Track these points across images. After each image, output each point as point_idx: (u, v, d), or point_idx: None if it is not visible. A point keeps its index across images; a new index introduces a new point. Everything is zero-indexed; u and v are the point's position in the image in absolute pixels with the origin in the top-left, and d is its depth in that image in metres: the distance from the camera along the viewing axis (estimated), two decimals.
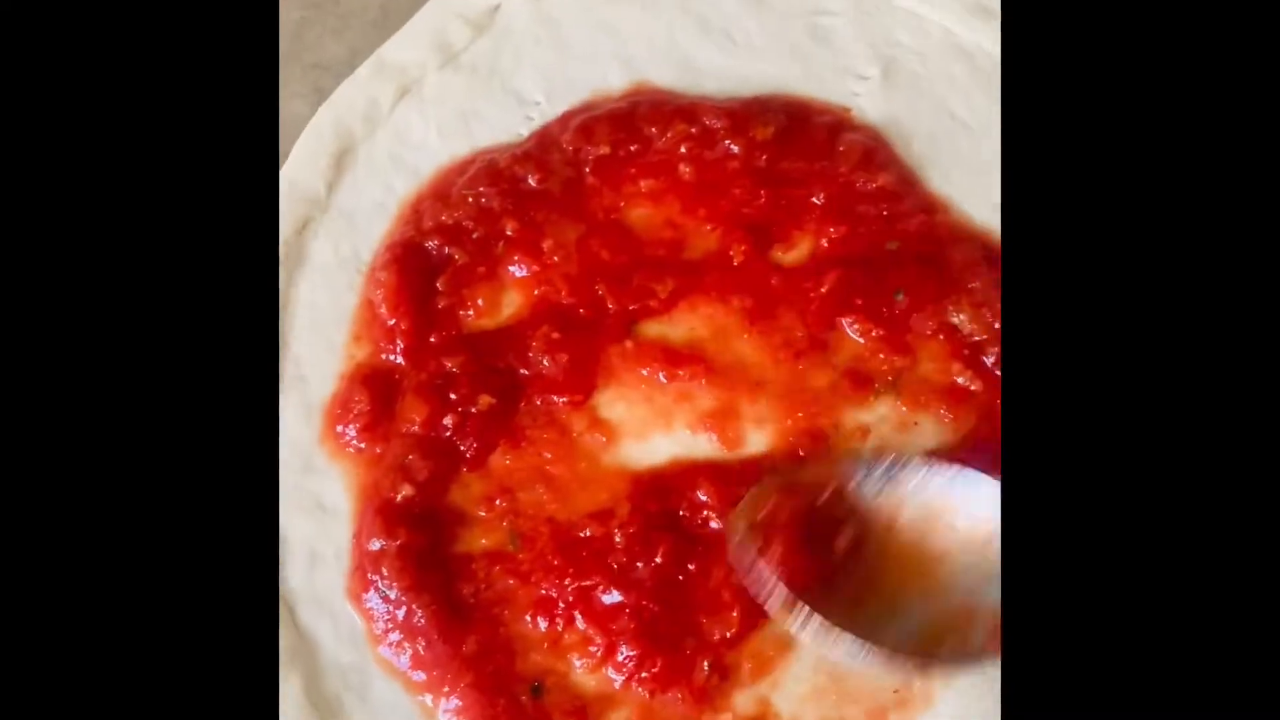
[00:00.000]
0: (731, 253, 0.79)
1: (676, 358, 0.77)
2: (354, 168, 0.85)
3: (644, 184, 0.81)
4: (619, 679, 0.70)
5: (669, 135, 0.81)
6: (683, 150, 0.81)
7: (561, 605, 0.71)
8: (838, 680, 0.69)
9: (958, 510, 0.66)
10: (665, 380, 0.76)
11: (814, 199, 0.79)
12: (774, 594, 0.65)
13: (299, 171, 0.84)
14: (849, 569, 0.66)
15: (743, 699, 0.69)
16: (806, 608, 0.64)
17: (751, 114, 0.81)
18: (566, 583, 0.71)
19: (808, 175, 0.80)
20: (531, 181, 0.82)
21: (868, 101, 0.83)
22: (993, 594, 0.61)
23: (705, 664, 0.69)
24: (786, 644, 0.70)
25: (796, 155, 0.80)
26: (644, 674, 0.69)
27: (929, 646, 0.63)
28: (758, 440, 0.75)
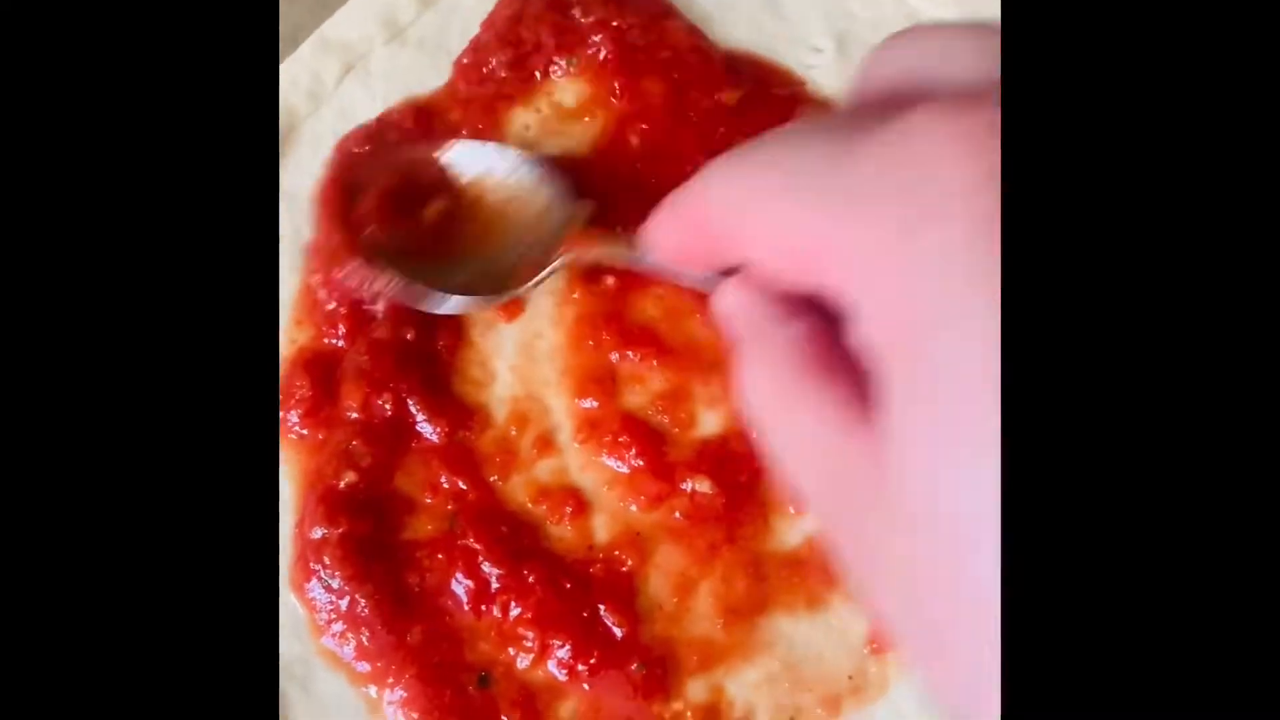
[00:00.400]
0: None
1: (629, 338, 0.75)
2: (298, 146, 0.82)
3: None
4: (561, 674, 0.68)
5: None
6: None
7: (495, 587, 0.69)
8: (791, 668, 0.68)
9: (536, 192, 0.75)
10: (617, 361, 0.75)
11: None
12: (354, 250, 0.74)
13: None
14: (434, 233, 0.75)
15: (695, 687, 0.68)
16: (380, 262, 0.73)
17: (726, 70, 0.80)
18: (490, 568, 0.70)
19: None
20: None
21: (822, 75, 0.81)
22: (539, 247, 0.73)
23: (637, 663, 0.68)
24: (735, 633, 0.69)
25: (753, 128, 0.78)
26: (581, 666, 0.68)
27: (480, 290, 0.73)
28: (710, 421, 0.73)
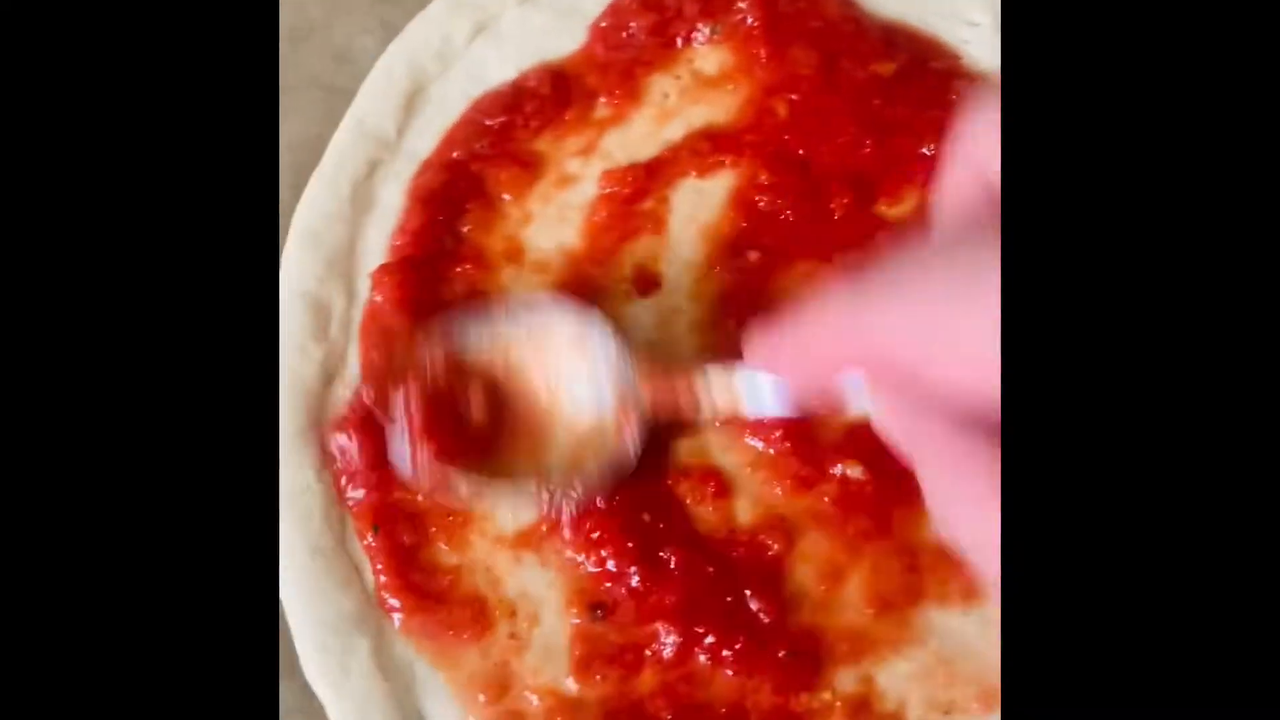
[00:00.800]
0: (832, 206, 0.74)
1: None
2: (425, 108, 0.80)
3: None
4: (703, 657, 0.65)
5: None
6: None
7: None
8: (945, 661, 0.65)
9: (557, 333, 0.67)
10: None
11: (924, 150, 0.74)
12: (431, 476, 0.65)
13: (368, 111, 0.79)
14: (497, 422, 0.67)
15: (844, 677, 0.65)
16: (463, 474, 0.65)
17: (882, 42, 0.77)
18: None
19: (917, 124, 0.75)
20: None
21: (977, 50, 0.78)
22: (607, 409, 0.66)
23: (785, 651, 0.65)
24: (886, 623, 0.66)
25: (909, 101, 0.75)
26: (725, 653, 0.65)
27: (572, 473, 0.66)
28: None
